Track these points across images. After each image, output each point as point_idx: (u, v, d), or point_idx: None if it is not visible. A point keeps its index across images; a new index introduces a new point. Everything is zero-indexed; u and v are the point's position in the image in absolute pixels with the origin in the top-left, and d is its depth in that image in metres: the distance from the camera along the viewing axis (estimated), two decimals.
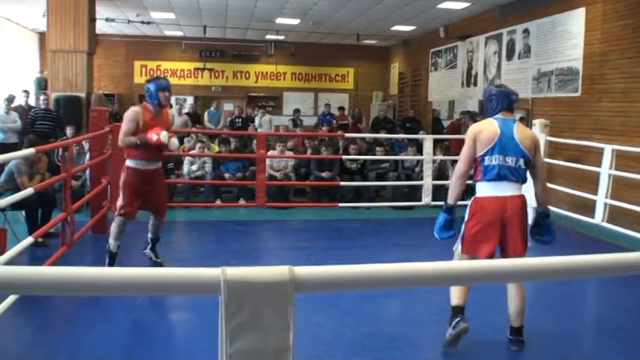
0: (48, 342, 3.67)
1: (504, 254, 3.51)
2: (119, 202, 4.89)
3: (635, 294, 4.72)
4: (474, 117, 9.41)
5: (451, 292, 3.62)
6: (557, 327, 4.09)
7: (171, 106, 5.27)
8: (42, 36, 13.98)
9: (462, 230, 3.58)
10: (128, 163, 4.87)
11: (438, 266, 1.37)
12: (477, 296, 4.30)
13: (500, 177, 3.46)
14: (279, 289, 1.17)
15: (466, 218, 3.56)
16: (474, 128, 3.58)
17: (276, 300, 1.17)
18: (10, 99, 9.72)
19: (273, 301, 1.17)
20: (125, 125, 4.77)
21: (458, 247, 3.60)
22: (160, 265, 5.05)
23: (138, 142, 4.72)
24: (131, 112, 4.82)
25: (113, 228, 4.92)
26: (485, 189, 3.50)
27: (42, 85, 12.36)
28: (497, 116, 3.56)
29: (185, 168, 8.70)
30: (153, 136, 4.68)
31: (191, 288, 1.22)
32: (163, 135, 4.70)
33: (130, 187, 4.83)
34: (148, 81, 4.88)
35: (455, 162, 5.26)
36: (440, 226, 3.61)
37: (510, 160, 3.45)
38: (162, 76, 5.41)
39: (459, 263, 1.39)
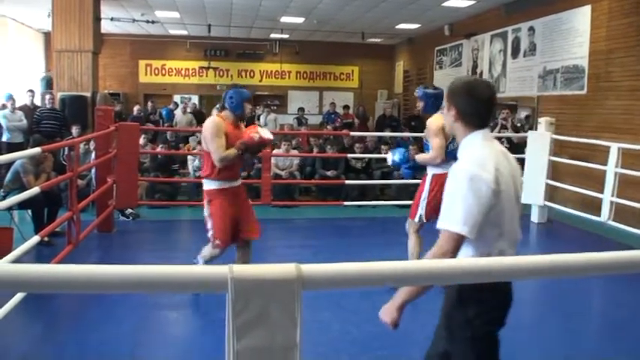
0: (54, 340, 3.69)
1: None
2: (210, 232, 4.18)
3: None
4: None
5: None
6: (561, 325, 4.08)
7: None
8: (47, 36, 14.04)
9: (424, 200, 4.47)
10: (210, 186, 4.16)
11: (442, 264, 1.38)
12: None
13: (454, 158, 4.14)
14: (286, 286, 1.17)
15: (427, 192, 4.47)
16: (439, 123, 4.28)
17: (283, 297, 1.17)
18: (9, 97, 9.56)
19: (280, 299, 1.17)
20: (215, 141, 4.01)
21: (422, 213, 4.51)
22: None
23: (239, 151, 4.04)
24: (214, 125, 4.06)
25: (206, 253, 4.27)
26: (439, 168, 4.34)
27: (50, 84, 12.40)
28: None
29: (190, 167, 8.74)
30: (254, 135, 4.03)
31: (199, 285, 1.23)
32: (262, 130, 4.12)
33: (219, 213, 4.13)
34: (231, 88, 4.27)
35: None
36: (405, 169, 4.78)
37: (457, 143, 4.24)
38: (239, 84, 4.69)
39: (464, 261, 1.40)
